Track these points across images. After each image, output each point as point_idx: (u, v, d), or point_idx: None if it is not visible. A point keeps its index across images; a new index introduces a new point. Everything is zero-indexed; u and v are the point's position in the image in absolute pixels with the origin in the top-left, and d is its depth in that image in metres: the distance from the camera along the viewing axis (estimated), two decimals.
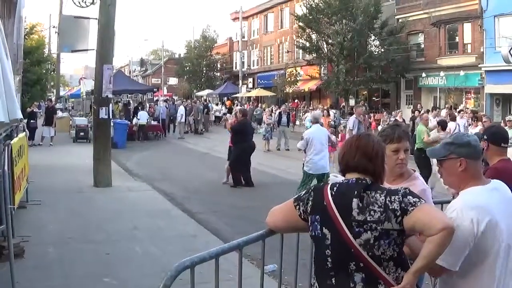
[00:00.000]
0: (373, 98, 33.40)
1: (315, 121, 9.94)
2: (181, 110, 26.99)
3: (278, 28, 43.48)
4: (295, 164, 12.21)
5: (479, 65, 24.33)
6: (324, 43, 30.35)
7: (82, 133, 21.23)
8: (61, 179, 11.57)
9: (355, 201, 2.26)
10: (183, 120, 26.95)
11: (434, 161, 10.08)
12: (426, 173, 10.29)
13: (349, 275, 2.25)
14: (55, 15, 40.75)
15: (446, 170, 2.63)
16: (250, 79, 47.14)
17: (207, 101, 37.91)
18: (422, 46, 29.17)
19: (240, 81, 44.34)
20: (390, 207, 2.21)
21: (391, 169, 3.10)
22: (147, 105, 28.88)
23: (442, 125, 11.90)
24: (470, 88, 26.22)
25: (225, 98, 44.42)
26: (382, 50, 28.49)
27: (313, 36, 30.77)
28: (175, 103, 31.50)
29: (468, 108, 22.58)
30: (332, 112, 26.41)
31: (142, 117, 24.12)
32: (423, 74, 27.74)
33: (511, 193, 2.63)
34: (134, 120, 24.09)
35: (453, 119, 15.87)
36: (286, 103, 30.78)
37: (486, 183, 2.58)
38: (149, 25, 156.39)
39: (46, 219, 7.83)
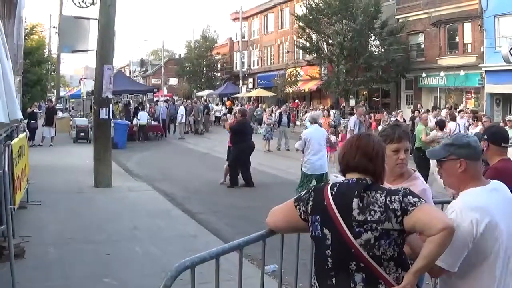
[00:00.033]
0: (373, 98, 33.40)
1: (313, 121, 9.95)
2: (181, 110, 27.00)
3: (278, 28, 43.48)
4: (295, 164, 12.20)
5: (479, 65, 24.33)
6: (324, 43, 30.35)
7: (82, 134, 21.23)
8: (61, 179, 11.58)
9: (355, 201, 2.26)
10: (183, 120, 26.95)
11: (433, 161, 10.11)
12: (425, 173, 10.31)
13: (350, 275, 2.25)
14: (55, 16, 40.76)
15: (446, 171, 2.63)
16: (250, 79, 47.14)
17: (208, 102, 37.92)
18: (422, 46, 29.17)
19: (240, 81, 44.34)
20: (391, 207, 2.21)
21: (392, 169, 3.09)
22: (148, 105, 28.90)
23: (440, 124, 11.98)
24: (470, 88, 26.22)
25: (225, 99, 44.42)
26: (382, 50, 28.48)
27: (313, 36, 30.77)
28: (175, 103, 31.51)
29: (468, 108, 22.58)
30: (332, 112, 26.41)
31: (143, 118, 24.13)
32: (423, 74, 27.74)
33: (511, 194, 2.62)
34: (135, 121, 24.09)
35: (453, 119, 15.87)
36: (287, 103, 30.79)
37: (486, 183, 2.57)
38: (149, 25, 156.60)
39: (46, 220, 7.84)
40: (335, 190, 2.34)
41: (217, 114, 35.87)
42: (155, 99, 33.59)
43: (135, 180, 12.50)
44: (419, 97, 28.90)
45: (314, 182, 9.08)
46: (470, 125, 16.10)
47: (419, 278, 2.31)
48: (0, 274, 5.08)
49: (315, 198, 2.39)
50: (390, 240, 2.23)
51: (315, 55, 31.45)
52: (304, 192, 2.50)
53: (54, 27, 32.27)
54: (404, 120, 20.88)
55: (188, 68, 52.65)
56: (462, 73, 24.95)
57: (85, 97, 30.26)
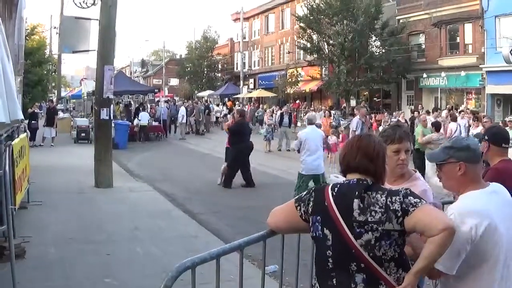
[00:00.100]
0: (374, 98, 33.39)
1: (310, 122, 9.96)
2: (182, 111, 27.00)
3: (279, 28, 43.47)
4: (296, 165, 12.17)
5: (480, 66, 24.32)
6: (325, 43, 30.33)
7: (83, 134, 21.25)
8: (62, 179, 11.58)
9: (356, 202, 2.26)
10: (184, 121, 26.96)
11: (428, 164, 10.22)
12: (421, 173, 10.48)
13: (350, 275, 2.25)
14: (56, 16, 40.83)
15: (445, 174, 2.63)
16: (251, 80, 47.13)
17: (208, 102, 37.91)
18: (423, 46, 29.15)
19: (241, 82, 44.35)
20: (391, 208, 2.21)
21: (392, 170, 3.09)
22: (148, 105, 28.91)
23: (436, 126, 12.08)
24: (471, 88, 26.20)
25: (226, 99, 44.45)
26: (383, 50, 28.46)
27: (314, 37, 30.76)
28: (176, 103, 31.53)
29: (468, 109, 22.56)
30: (332, 112, 26.39)
31: (143, 118, 24.15)
32: (424, 75, 27.72)
33: (510, 196, 2.62)
34: (135, 121, 24.11)
35: (454, 119, 15.85)
36: (288, 104, 30.79)
37: (485, 186, 2.57)
38: (150, 26, 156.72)
39: (47, 220, 7.84)
40: (335, 190, 2.34)
41: (218, 114, 35.89)
42: (156, 99, 33.58)
43: (136, 180, 12.50)
44: (420, 98, 28.88)
45: (312, 183, 9.08)
46: (470, 125, 16.08)
47: (420, 278, 2.31)
48: (0, 274, 5.09)
49: (315, 198, 2.39)
50: (390, 240, 2.23)
51: (316, 55, 31.44)
52: (305, 193, 2.50)
53: (55, 28, 32.25)
54: (406, 121, 20.87)
55: (189, 69, 52.65)
56: (463, 73, 24.94)
57: (86, 97, 30.25)
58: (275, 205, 2.67)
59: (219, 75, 53.07)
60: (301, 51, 35.33)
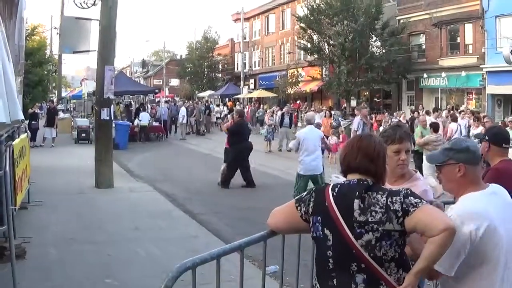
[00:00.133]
0: (375, 99, 33.40)
1: (308, 122, 9.93)
2: (182, 111, 27.01)
3: (280, 29, 43.47)
4: (296, 165, 12.16)
5: (481, 66, 24.32)
6: (326, 44, 30.33)
7: (83, 134, 21.25)
8: (62, 180, 11.58)
9: (356, 202, 2.26)
10: (184, 121, 26.96)
11: (425, 165, 10.25)
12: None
13: (351, 276, 2.25)
14: (57, 16, 40.85)
15: (445, 176, 2.62)
16: (252, 80, 47.12)
17: (209, 102, 37.89)
18: (424, 47, 29.16)
19: (242, 82, 44.35)
20: (392, 208, 2.21)
21: (393, 170, 3.10)
22: (149, 106, 28.91)
23: (434, 127, 12.08)
24: (471, 88, 26.19)
25: (227, 99, 44.44)
26: (384, 51, 28.45)
27: (315, 37, 30.76)
28: (177, 104, 31.52)
29: (468, 109, 22.56)
30: (332, 113, 26.36)
31: (144, 118, 24.15)
32: (425, 75, 27.72)
33: (510, 197, 2.61)
34: (136, 121, 24.11)
35: (455, 120, 15.84)
36: (288, 104, 30.78)
37: (485, 188, 2.57)
38: (151, 26, 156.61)
39: (47, 220, 7.84)
40: (336, 191, 2.34)
41: (218, 115, 35.89)
42: (156, 100, 33.59)
43: (136, 181, 12.51)
44: (420, 98, 28.87)
45: (311, 184, 9.06)
46: (470, 126, 16.07)
47: (420, 279, 2.31)
48: (1, 275, 5.09)
49: (316, 199, 2.39)
50: (391, 241, 2.22)
51: (316, 56, 31.44)
52: (305, 193, 2.50)
53: (55, 28, 32.31)
54: (407, 121, 20.87)
55: (189, 69, 52.65)
56: (463, 74, 24.94)
57: (86, 97, 30.28)
58: (276, 205, 2.67)
59: (220, 75, 53.05)
60: (302, 52, 35.32)
